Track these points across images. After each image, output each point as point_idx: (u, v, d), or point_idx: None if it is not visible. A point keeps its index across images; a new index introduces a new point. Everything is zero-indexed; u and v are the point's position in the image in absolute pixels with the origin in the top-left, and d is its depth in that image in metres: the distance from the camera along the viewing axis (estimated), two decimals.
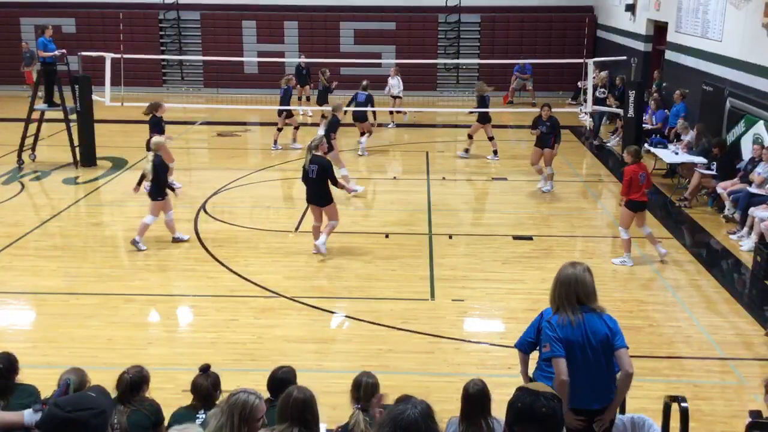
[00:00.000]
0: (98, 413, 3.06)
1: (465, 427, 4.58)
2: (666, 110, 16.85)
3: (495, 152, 16.47)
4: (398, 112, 20.39)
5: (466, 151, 16.74)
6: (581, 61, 20.21)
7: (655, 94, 17.64)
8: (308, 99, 21.79)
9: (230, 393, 4.18)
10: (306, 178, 10.46)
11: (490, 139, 16.40)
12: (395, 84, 20.34)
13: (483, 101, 16.46)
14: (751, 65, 13.32)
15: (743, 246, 11.17)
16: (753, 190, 11.66)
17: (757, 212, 11.02)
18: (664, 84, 18.02)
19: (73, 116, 15.72)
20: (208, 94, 24.73)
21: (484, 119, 16.35)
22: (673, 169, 14.62)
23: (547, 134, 13.82)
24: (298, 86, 20.65)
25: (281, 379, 5.13)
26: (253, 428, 4.08)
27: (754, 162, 12.17)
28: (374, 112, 18.74)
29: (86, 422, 3.01)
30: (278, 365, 5.44)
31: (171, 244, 11.14)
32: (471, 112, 17.60)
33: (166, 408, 5.14)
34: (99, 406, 3.10)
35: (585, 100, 18.63)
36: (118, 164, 15.88)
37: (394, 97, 20.43)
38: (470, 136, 16.68)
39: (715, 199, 12.94)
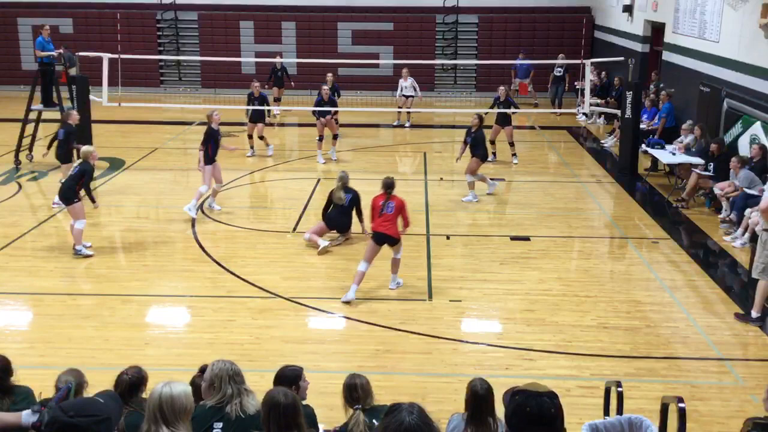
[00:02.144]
0: (101, 420, 3.04)
1: (474, 427, 4.54)
2: (657, 108, 16.85)
3: (514, 155, 16.22)
4: (408, 112, 20.31)
5: (493, 154, 16.25)
6: (579, 62, 20.23)
7: (652, 95, 17.65)
8: (278, 100, 21.41)
9: (211, 369, 4.66)
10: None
11: (511, 144, 16.18)
12: (407, 86, 20.18)
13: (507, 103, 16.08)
14: (749, 66, 13.34)
15: (736, 243, 11.23)
16: (749, 191, 11.68)
17: (754, 213, 11.03)
18: (661, 85, 18.03)
19: None
20: (205, 94, 24.71)
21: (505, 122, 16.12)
22: (671, 170, 14.62)
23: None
24: (275, 87, 21.02)
25: (290, 377, 5.10)
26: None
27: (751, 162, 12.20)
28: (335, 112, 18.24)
29: (87, 428, 2.99)
30: (282, 365, 5.31)
31: (168, 244, 11.13)
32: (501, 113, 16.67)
33: None
34: (103, 413, 3.08)
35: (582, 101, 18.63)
36: (116, 165, 15.86)
37: (406, 97, 20.22)
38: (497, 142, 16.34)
39: (713, 200, 12.96)
